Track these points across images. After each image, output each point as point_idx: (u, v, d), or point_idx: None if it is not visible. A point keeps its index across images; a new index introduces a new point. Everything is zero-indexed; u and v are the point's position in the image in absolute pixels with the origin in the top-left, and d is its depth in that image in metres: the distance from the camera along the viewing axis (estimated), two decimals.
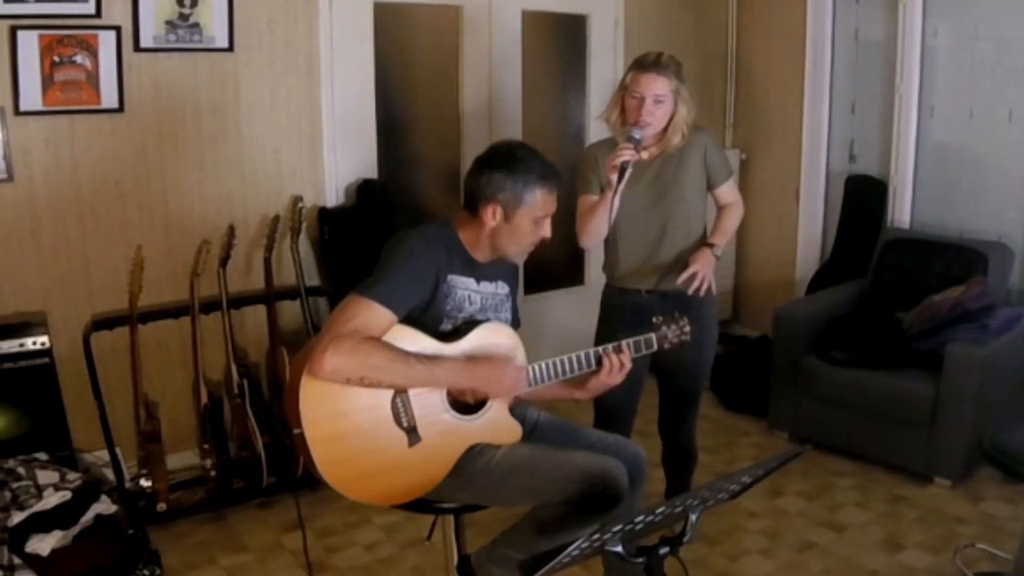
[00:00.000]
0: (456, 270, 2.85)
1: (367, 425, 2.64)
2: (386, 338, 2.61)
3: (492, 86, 5.63)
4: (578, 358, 2.94)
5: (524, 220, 2.83)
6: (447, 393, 2.76)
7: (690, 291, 3.60)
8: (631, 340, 3.03)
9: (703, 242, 3.76)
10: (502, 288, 3.04)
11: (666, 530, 2.46)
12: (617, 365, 2.95)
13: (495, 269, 2.99)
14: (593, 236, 3.67)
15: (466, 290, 2.88)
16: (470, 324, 2.85)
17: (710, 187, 3.81)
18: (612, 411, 3.89)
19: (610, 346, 2.97)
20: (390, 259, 2.73)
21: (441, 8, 5.41)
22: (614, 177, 3.43)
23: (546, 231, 2.91)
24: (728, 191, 3.86)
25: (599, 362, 2.96)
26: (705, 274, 3.62)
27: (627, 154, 3.40)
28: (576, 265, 6.22)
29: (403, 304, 2.66)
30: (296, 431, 2.57)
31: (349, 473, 2.63)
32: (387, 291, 2.63)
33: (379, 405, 2.66)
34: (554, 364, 2.91)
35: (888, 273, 5.36)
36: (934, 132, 5.65)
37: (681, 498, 2.29)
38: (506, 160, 2.84)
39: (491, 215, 2.83)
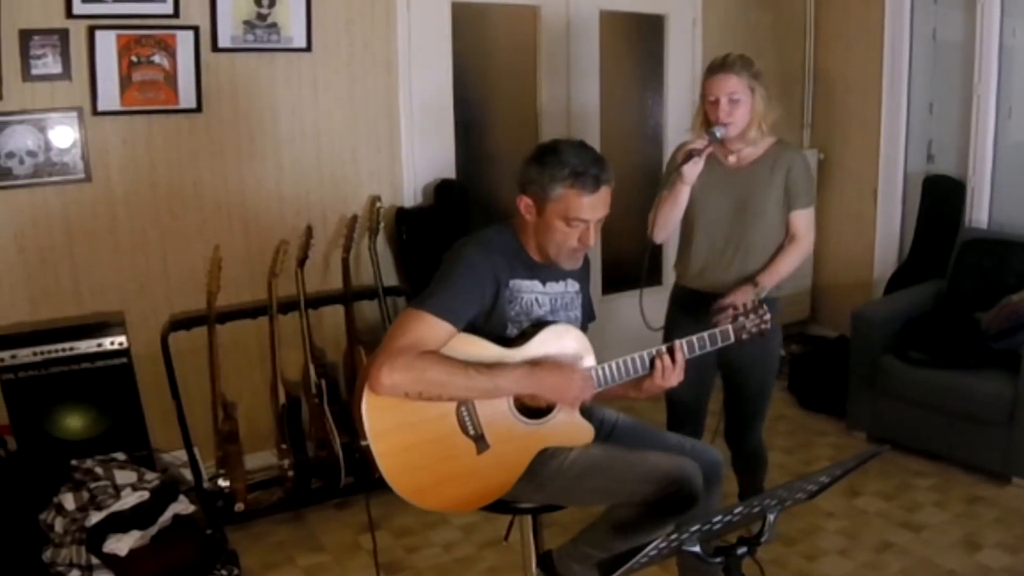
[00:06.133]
0: (518, 275, 2.69)
1: (433, 435, 2.52)
2: (449, 346, 2.49)
3: (570, 86, 5.41)
4: (641, 358, 2.73)
5: (553, 218, 2.61)
6: (514, 398, 2.61)
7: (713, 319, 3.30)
8: (707, 333, 2.83)
9: (751, 276, 3.51)
10: (572, 286, 2.85)
11: (744, 530, 2.32)
12: (670, 367, 2.72)
13: (562, 269, 2.79)
14: (661, 229, 3.52)
15: (532, 293, 2.72)
16: (536, 327, 2.69)
17: (787, 208, 3.56)
18: (683, 409, 3.75)
19: (664, 347, 2.75)
20: (448, 270, 2.58)
21: (519, 8, 5.22)
22: (685, 167, 3.34)
23: (586, 237, 2.64)
24: (801, 219, 3.55)
25: (652, 364, 2.74)
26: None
27: (699, 143, 3.34)
28: (653, 265, 5.94)
29: (461, 315, 2.52)
30: (364, 443, 2.46)
31: (419, 483, 2.51)
32: (443, 303, 2.50)
33: (444, 415, 2.53)
34: (620, 365, 2.71)
35: (966, 273, 5.11)
36: (1012, 132, 5.36)
37: (759, 498, 2.16)
38: (544, 153, 2.64)
39: (524, 208, 2.67)
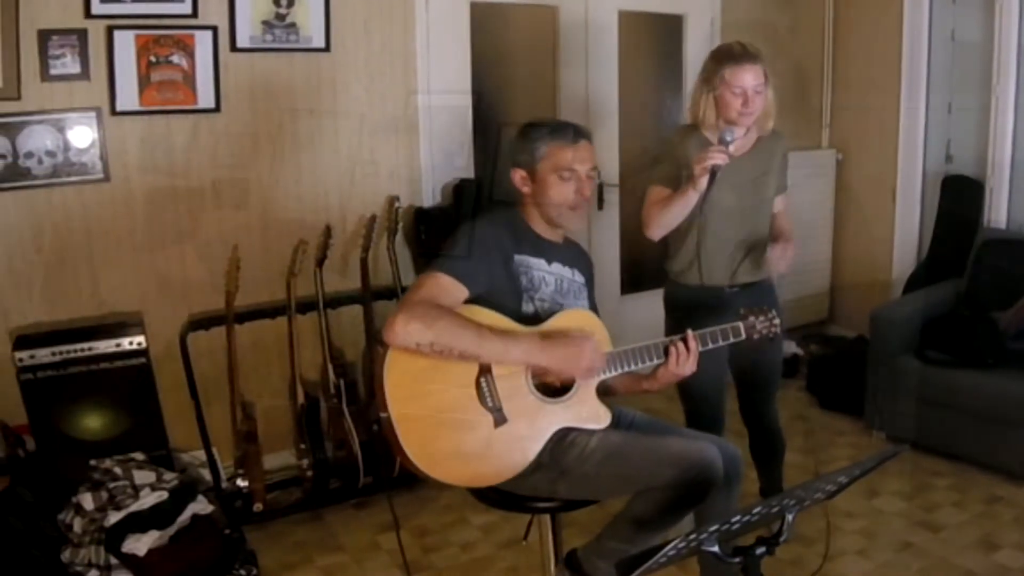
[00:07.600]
0: (525, 251, 2.78)
1: (452, 405, 2.55)
2: (469, 315, 2.56)
3: (588, 86, 5.34)
4: (655, 346, 2.78)
5: (546, 175, 2.77)
6: (532, 375, 2.63)
7: (772, 271, 3.50)
8: (719, 328, 2.85)
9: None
10: (578, 276, 2.93)
11: (763, 530, 2.26)
12: (684, 354, 2.76)
13: (567, 255, 2.91)
14: (664, 229, 3.41)
15: (539, 271, 2.79)
16: (554, 312, 2.75)
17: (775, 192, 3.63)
18: (702, 404, 3.66)
19: (678, 336, 2.79)
20: (459, 240, 2.69)
21: (538, 8, 5.15)
22: (703, 180, 3.17)
23: (583, 188, 2.79)
24: (783, 201, 3.68)
25: (666, 352, 2.77)
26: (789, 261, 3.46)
27: (719, 157, 3.14)
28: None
29: (472, 278, 2.60)
30: (383, 415, 2.49)
31: (435, 454, 2.53)
32: (455, 266, 2.59)
33: (465, 385, 2.57)
34: (635, 350, 2.76)
35: (985, 273, 5.05)
36: None
37: (777, 498, 2.12)
38: (523, 128, 2.85)
39: (520, 181, 2.83)
